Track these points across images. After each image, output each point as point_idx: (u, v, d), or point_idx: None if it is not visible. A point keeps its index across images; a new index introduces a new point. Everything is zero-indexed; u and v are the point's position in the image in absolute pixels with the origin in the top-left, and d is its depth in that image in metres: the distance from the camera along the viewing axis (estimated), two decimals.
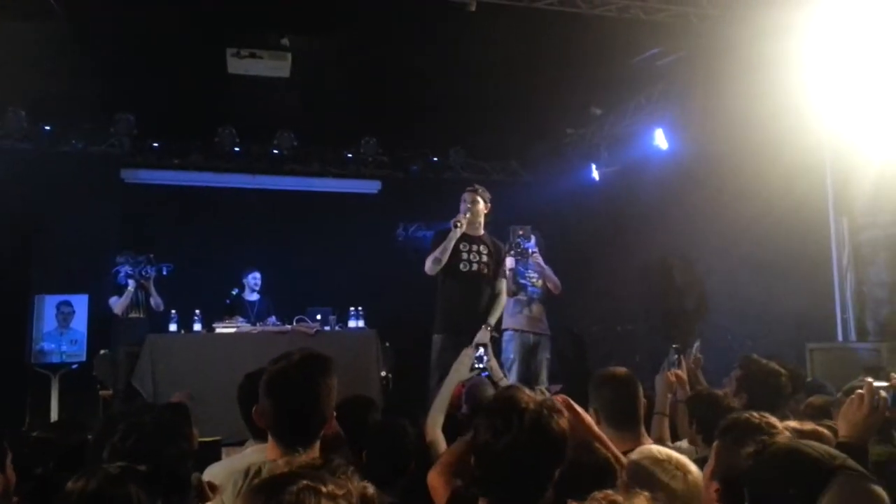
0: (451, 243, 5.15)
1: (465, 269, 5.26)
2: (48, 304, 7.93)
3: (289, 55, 5.00)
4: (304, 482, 1.12)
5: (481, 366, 3.14)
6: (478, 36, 5.77)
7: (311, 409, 2.01)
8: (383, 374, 7.16)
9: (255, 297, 7.98)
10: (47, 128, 7.74)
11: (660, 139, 7.14)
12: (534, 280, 6.54)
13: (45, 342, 7.89)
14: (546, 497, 1.73)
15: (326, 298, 7.80)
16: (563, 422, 1.76)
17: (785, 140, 5.33)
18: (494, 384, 3.37)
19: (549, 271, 6.55)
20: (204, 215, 8.66)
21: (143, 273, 7.22)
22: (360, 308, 7.56)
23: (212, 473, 2.20)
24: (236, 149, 8.47)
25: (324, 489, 1.11)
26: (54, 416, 7.51)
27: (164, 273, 7.44)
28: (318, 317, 7.46)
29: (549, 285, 6.54)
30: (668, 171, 7.10)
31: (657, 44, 5.95)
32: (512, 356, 6.39)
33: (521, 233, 6.21)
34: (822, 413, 2.69)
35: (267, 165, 8.79)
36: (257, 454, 2.22)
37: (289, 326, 7.20)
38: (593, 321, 8.53)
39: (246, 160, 8.68)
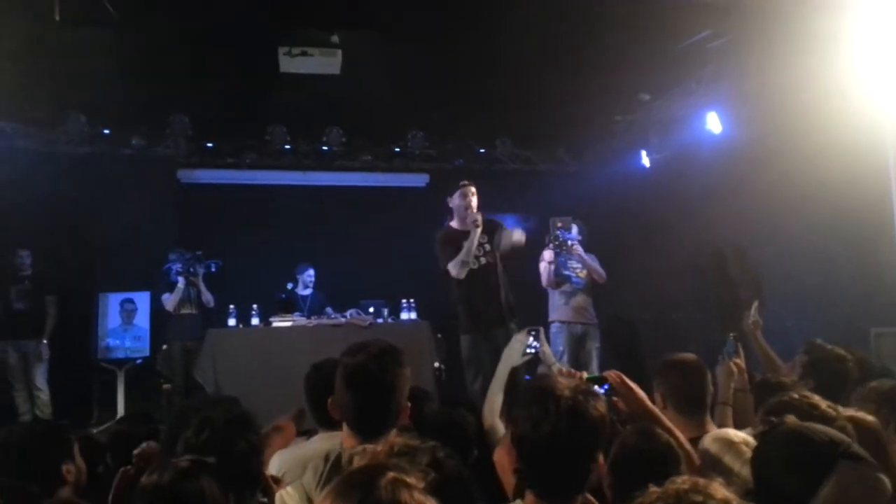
0: (473, 243, 5.32)
1: (475, 267, 5.43)
2: (112, 302, 8.23)
3: (339, 52, 5.09)
4: (392, 475, 1.13)
5: (533, 350, 3.14)
6: (523, 25, 5.77)
7: (388, 401, 2.04)
8: (437, 364, 7.24)
9: (308, 291, 8.15)
10: (107, 132, 8.00)
11: (712, 123, 7.00)
12: (577, 270, 6.59)
13: (111, 338, 8.19)
14: (590, 480, 1.74)
15: (379, 291, 7.92)
16: (601, 405, 1.74)
17: (843, 120, 5.17)
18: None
19: (592, 261, 6.57)
20: (257, 212, 8.85)
21: (192, 270, 7.47)
22: (412, 300, 7.66)
23: (282, 459, 2.28)
24: (287, 146, 8.62)
25: (409, 479, 1.13)
26: (121, 409, 7.81)
27: (213, 270, 7.66)
28: (371, 309, 7.59)
29: (594, 275, 6.58)
30: (721, 154, 6.96)
31: (707, 26, 5.84)
32: (561, 348, 6.44)
33: (560, 224, 6.33)
34: (886, 399, 2.62)
35: (316, 162, 8.92)
36: (328, 441, 2.28)
37: (343, 319, 7.33)
38: (645, 309, 8.44)
39: (296, 157, 8.83)
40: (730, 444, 1.98)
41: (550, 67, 6.69)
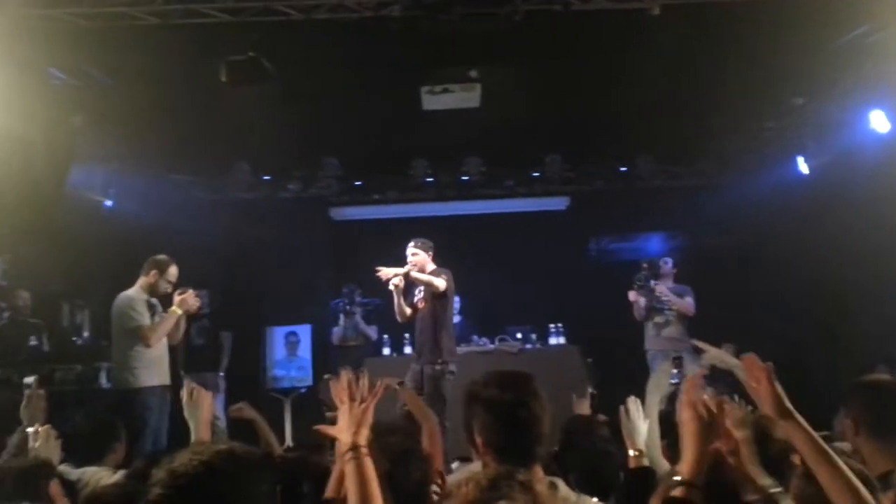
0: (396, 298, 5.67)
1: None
2: (277, 335, 8.82)
3: (478, 86, 5.25)
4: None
5: (676, 381, 3.11)
6: (660, 39, 5.66)
7: (531, 430, 2.03)
8: (590, 390, 7.12)
9: (455, 319, 8.30)
10: (266, 178, 8.68)
11: (877, 121, 6.48)
12: (664, 297, 7.14)
13: (277, 369, 8.77)
14: None
15: (525, 317, 7.94)
16: None
17: None
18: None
19: (684, 292, 7.12)
20: (404, 245, 9.17)
21: (348, 309, 7.93)
22: (559, 325, 7.61)
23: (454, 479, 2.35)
24: (428, 179, 8.92)
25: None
26: (288, 436, 8.30)
27: (371, 308, 8.07)
28: (519, 335, 7.60)
29: (682, 310, 7.06)
30: (890, 155, 6.42)
31: (863, 21, 5.44)
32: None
33: (645, 266, 7.06)
34: None
35: (457, 192, 9.15)
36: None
37: (492, 346, 7.40)
38: (809, 322, 7.83)
39: (437, 189, 9.11)
40: None
41: (691, 77, 6.50)
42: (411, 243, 5.92)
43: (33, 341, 6.69)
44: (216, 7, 4.56)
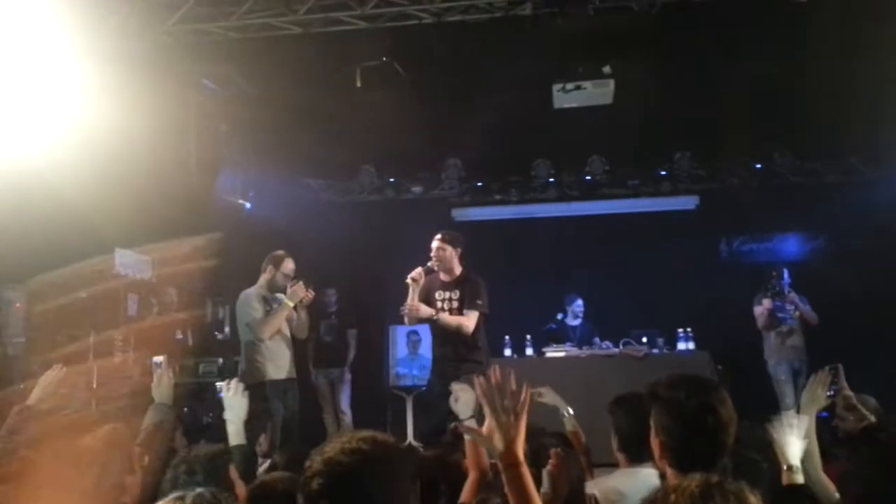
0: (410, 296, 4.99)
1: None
2: (399, 334, 9.02)
3: (611, 82, 5.13)
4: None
5: (833, 392, 2.96)
6: (804, 27, 5.34)
7: (717, 437, 1.97)
8: None
9: (577, 322, 8.17)
10: (391, 180, 8.90)
11: None
12: (792, 313, 7.20)
13: (400, 367, 8.97)
14: None
15: (651, 320, 7.69)
16: None
17: None
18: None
19: (804, 305, 7.15)
20: (526, 245, 9.13)
21: None
22: (689, 329, 7.32)
23: (606, 487, 2.32)
24: (550, 179, 8.84)
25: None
26: (410, 432, 8.47)
27: None
28: (645, 339, 7.38)
29: (807, 318, 7.13)
30: None
31: None
32: (783, 378, 7.07)
33: (774, 274, 7.11)
34: None
35: (580, 192, 9.02)
36: (651, 477, 2.28)
37: (616, 350, 7.23)
38: None
39: (560, 189, 9.01)
40: None
41: (835, 66, 6.09)
42: (437, 236, 5.28)
43: (178, 335, 7.17)
44: (353, 15, 4.71)
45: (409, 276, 5.01)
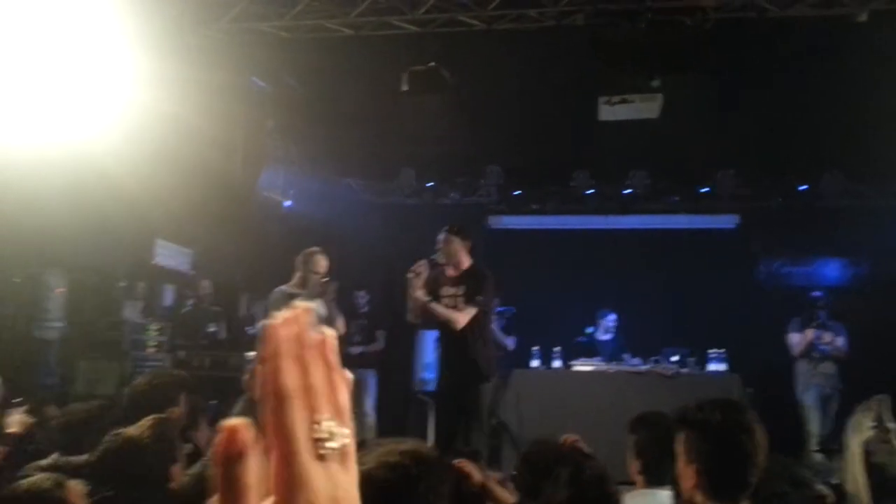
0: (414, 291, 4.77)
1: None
2: (427, 339, 8.99)
3: (660, 96, 5.07)
4: None
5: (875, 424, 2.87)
6: (863, 46, 5.23)
7: (754, 458, 1.95)
8: None
9: (608, 336, 8.09)
10: (430, 184, 8.91)
11: None
12: (826, 341, 7.10)
13: (426, 372, 8.94)
14: None
15: (684, 339, 7.58)
16: None
17: None
18: None
19: (840, 338, 7.02)
20: (560, 257, 9.07)
21: None
22: (722, 350, 7.20)
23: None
24: (590, 191, 8.77)
25: None
26: (430, 438, 8.44)
27: (508, 316, 8.02)
28: (675, 358, 7.27)
29: (838, 354, 7.01)
30: None
31: None
32: (809, 403, 6.98)
33: (820, 304, 7.02)
34: None
35: (619, 205, 8.93)
36: (661, 498, 2.24)
37: (645, 367, 7.13)
38: None
39: (599, 201, 8.94)
40: None
41: (887, 87, 5.94)
42: (444, 227, 5.02)
43: (212, 328, 7.24)
44: (405, 19, 4.72)
45: (411, 270, 4.80)
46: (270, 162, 6.50)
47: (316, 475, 0.50)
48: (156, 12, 4.58)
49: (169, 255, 6.61)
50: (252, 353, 4.06)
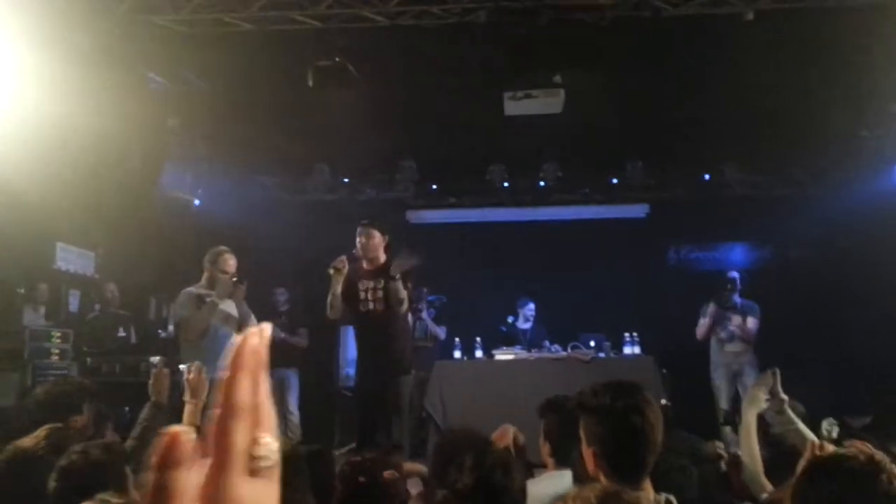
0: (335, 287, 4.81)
1: (363, 310, 4.96)
2: (350, 334, 8.95)
3: (561, 91, 5.18)
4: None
5: (769, 397, 2.99)
6: (752, 45, 5.49)
7: (648, 437, 1.99)
8: (663, 401, 6.94)
9: (528, 325, 8.25)
10: (346, 180, 8.84)
11: None
12: (735, 323, 7.22)
13: (350, 368, 8.90)
14: None
15: (599, 325, 7.81)
16: None
17: None
18: None
19: (751, 319, 7.11)
20: (479, 249, 9.18)
21: (416, 308, 7.95)
22: (635, 334, 7.45)
23: (544, 493, 2.35)
24: (505, 184, 8.90)
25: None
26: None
27: (438, 305, 8.07)
28: (592, 343, 7.47)
29: (746, 338, 7.11)
30: None
31: None
32: (718, 381, 7.18)
33: (729, 287, 7.07)
34: None
35: (534, 197, 9.10)
36: (566, 479, 2.31)
37: (564, 353, 7.31)
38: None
39: (514, 194, 9.08)
40: None
41: (783, 83, 6.27)
42: (364, 221, 5.06)
43: (121, 332, 6.99)
44: (307, 14, 4.67)
45: (332, 266, 4.76)
46: (174, 161, 6.32)
47: (243, 490, 0.51)
48: (43, 5, 4.36)
49: (71, 259, 6.34)
50: (157, 358, 3.95)
